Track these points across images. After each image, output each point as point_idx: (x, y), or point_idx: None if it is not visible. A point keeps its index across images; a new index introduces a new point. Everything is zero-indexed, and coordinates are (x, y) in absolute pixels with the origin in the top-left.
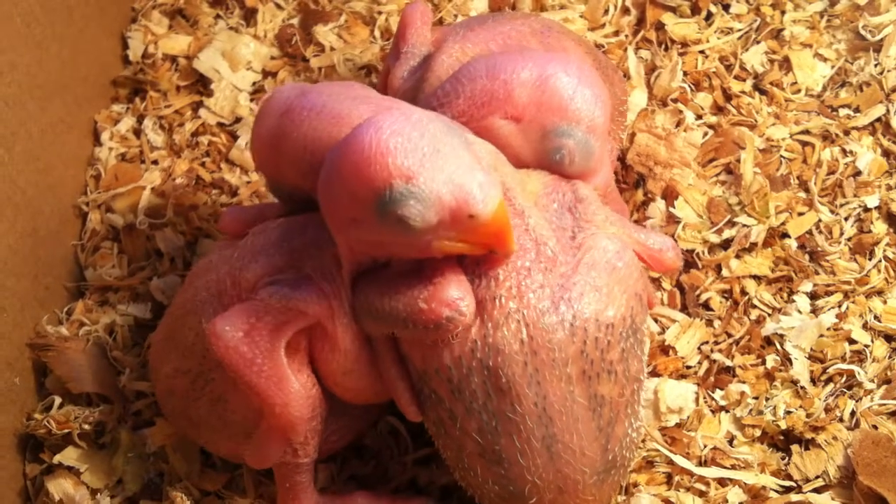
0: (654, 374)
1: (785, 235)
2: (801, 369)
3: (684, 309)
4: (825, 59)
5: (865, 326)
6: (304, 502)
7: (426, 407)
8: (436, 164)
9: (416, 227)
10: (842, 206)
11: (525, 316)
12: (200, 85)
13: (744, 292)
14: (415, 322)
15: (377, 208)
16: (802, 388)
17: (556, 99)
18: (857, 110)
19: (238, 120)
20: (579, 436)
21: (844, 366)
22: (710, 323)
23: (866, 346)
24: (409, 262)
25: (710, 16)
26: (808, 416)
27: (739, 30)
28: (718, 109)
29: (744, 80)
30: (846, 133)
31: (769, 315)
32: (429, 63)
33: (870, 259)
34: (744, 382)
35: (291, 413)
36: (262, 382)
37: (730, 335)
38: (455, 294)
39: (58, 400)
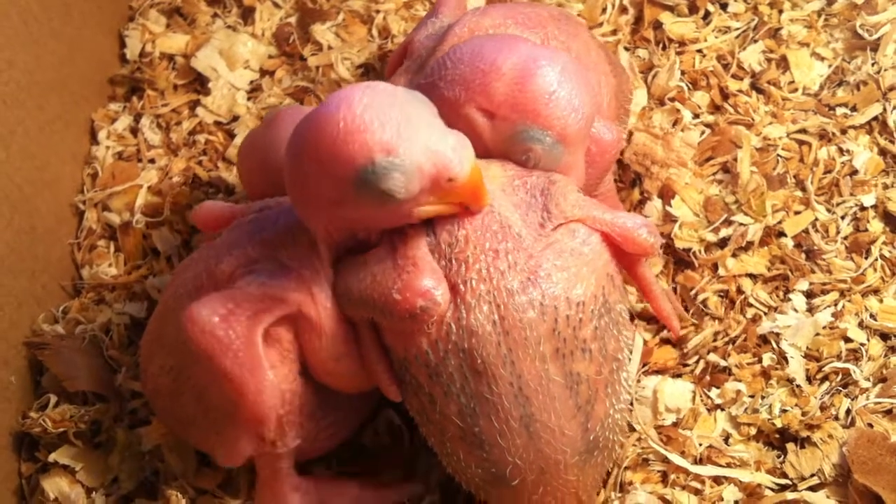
0: (652, 371)
1: (781, 234)
2: (796, 368)
3: (687, 311)
4: (822, 58)
5: (861, 325)
6: (284, 486)
7: (408, 395)
8: (412, 134)
9: (400, 199)
10: (838, 204)
11: (496, 297)
12: (198, 83)
13: (740, 291)
14: (391, 312)
15: (357, 185)
16: (798, 386)
17: (532, 100)
18: (854, 109)
19: (235, 118)
20: (557, 414)
21: (840, 364)
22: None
23: (862, 344)
24: (384, 248)
25: (707, 15)
26: (803, 414)
27: (737, 29)
28: (716, 108)
29: (741, 79)
30: (843, 132)
31: (765, 314)
32: (446, 32)
33: (866, 258)
34: (740, 381)
35: (264, 402)
36: (235, 369)
37: (726, 334)
38: (429, 283)
39: (53, 398)
